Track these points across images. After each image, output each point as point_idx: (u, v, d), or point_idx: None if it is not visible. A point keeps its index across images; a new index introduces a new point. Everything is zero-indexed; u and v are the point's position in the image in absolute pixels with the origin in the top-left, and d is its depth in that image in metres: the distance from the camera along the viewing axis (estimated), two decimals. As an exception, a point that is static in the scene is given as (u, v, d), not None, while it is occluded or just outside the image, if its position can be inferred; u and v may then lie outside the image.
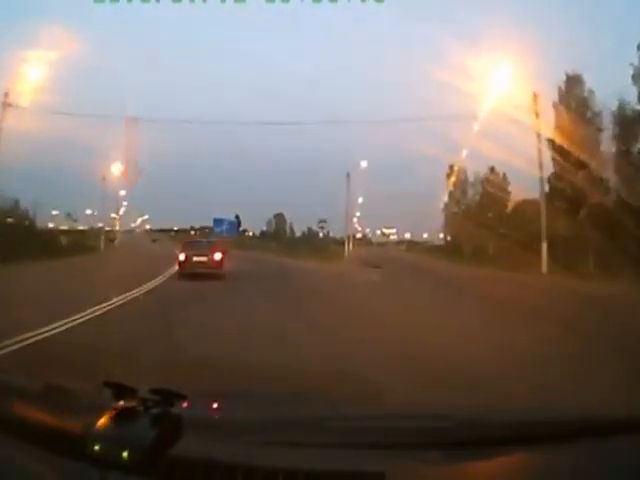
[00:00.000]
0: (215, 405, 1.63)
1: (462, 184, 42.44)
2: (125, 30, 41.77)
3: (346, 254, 35.17)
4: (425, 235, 48.89)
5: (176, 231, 58.43)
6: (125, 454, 1.01)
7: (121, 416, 1.07)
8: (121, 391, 1.12)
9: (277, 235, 58.96)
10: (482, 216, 33.39)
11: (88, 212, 41.60)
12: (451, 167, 40.19)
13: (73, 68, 29.91)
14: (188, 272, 15.65)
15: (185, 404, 1.16)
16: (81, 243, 33.72)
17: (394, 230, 51.87)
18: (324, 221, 36.44)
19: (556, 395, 3.96)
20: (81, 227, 41.74)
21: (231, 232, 55.82)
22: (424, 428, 1.35)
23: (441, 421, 1.37)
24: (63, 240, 32.20)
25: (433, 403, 2.20)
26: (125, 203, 49.77)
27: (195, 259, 16.32)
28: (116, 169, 32.72)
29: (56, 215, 39.16)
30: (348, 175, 34.73)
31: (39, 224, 30.08)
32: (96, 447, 1.03)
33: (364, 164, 34.80)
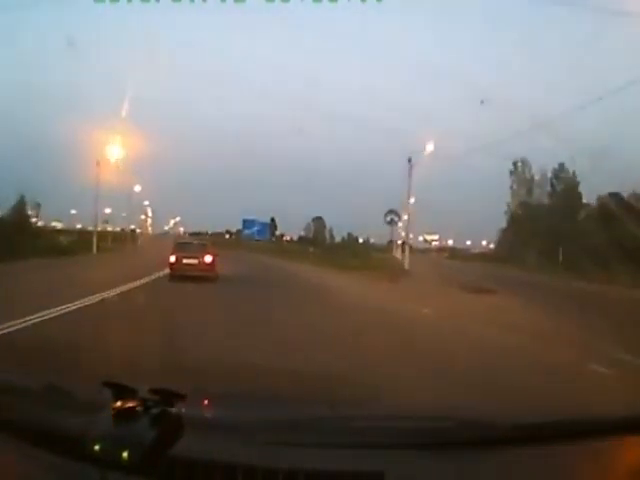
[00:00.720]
0: (215, 405, 1.63)
1: (527, 183, 38.53)
2: (128, 32, 42.18)
3: (406, 266, 26.73)
4: (468, 242, 46.57)
5: (211, 234, 58.17)
6: (125, 454, 1.01)
7: (121, 416, 1.07)
8: (121, 391, 1.12)
9: (316, 240, 54.80)
10: (552, 218, 29.68)
11: (107, 211, 43.60)
12: (515, 164, 37.34)
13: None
14: (179, 274, 15.40)
15: (185, 404, 1.16)
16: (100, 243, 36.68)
17: (436, 236, 48.74)
18: (394, 212, 26.74)
19: (556, 395, 3.96)
20: (109, 228, 44.93)
21: (263, 235, 51.57)
22: (424, 428, 1.35)
23: (441, 421, 1.37)
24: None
25: (433, 403, 2.19)
26: (149, 207, 52.30)
27: (185, 261, 15.97)
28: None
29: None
30: (410, 161, 27.74)
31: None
32: (96, 447, 1.03)
33: (428, 151, 27.86)
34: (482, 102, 24.08)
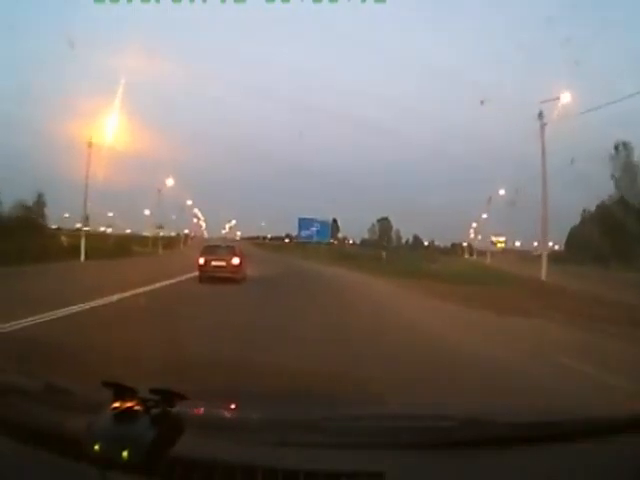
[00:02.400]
0: (215, 405, 1.63)
1: (632, 168, 30.82)
2: (136, 35, 42.59)
3: (543, 276, 21.01)
4: (535, 244, 39.62)
5: (270, 238, 57.33)
6: (125, 454, 1.01)
7: (121, 416, 1.07)
8: (121, 391, 1.12)
9: (381, 243, 48.38)
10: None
11: (147, 212, 47.30)
12: (616, 147, 31.31)
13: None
14: (208, 276, 16.05)
15: (185, 404, 1.16)
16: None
17: (503, 238, 45.00)
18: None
19: (556, 395, 3.96)
20: (162, 233, 48.77)
21: (323, 236, 44.09)
22: (424, 428, 1.35)
23: (441, 421, 1.37)
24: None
25: (433, 403, 2.19)
26: (197, 210, 54.08)
27: (214, 263, 16.52)
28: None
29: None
30: (540, 114, 21.57)
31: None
32: (96, 447, 1.03)
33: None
34: (482, 102, 23.59)
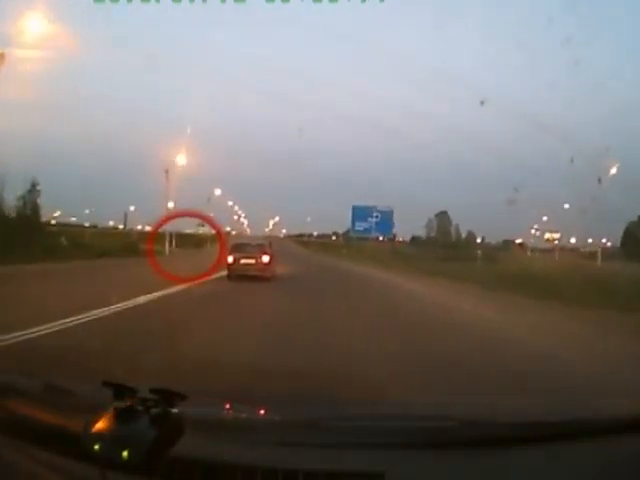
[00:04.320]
0: (215, 405, 1.63)
1: None
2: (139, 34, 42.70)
3: None
4: (590, 240, 37.83)
5: (317, 236, 56.30)
6: (125, 454, 1.01)
7: (121, 416, 1.07)
8: (121, 391, 1.12)
9: (437, 240, 39.03)
10: None
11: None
12: None
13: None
14: (236, 274, 15.69)
15: (185, 404, 1.16)
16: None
17: (558, 235, 40.02)
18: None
19: (556, 395, 3.96)
20: (201, 231, 48.54)
21: (384, 229, 34.54)
22: (424, 428, 1.35)
23: (441, 421, 1.37)
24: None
25: (433, 403, 2.19)
26: (236, 208, 54.15)
27: (243, 261, 16.10)
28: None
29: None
30: None
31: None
32: (96, 447, 1.03)
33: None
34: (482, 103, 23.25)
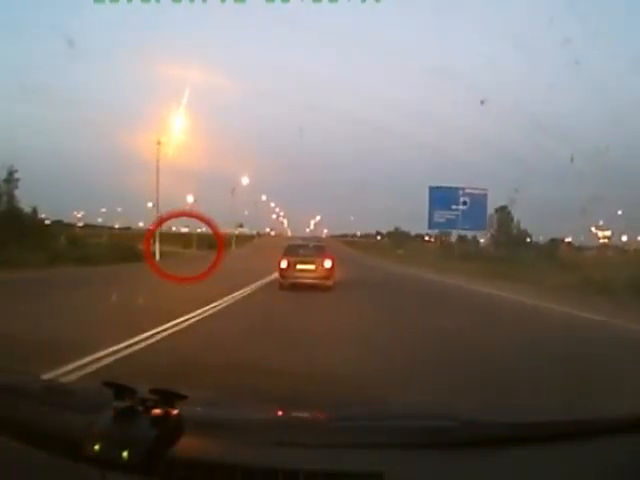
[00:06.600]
0: (215, 405, 1.63)
1: None
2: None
3: None
4: (624, 238, 35.15)
5: (360, 236, 55.56)
6: (125, 454, 1.01)
7: (121, 416, 1.07)
8: (121, 391, 1.12)
9: (496, 239, 31.05)
10: None
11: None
12: None
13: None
14: (291, 282, 13.21)
15: (185, 404, 1.16)
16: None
17: (609, 232, 35.61)
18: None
19: (556, 395, 3.96)
20: (238, 232, 52.66)
21: (475, 223, 25.48)
22: (424, 428, 1.35)
23: (441, 421, 1.37)
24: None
25: (433, 403, 2.19)
26: (276, 208, 55.30)
27: (300, 267, 13.43)
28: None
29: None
30: None
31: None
32: (96, 447, 1.03)
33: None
34: (482, 102, 22.59)
